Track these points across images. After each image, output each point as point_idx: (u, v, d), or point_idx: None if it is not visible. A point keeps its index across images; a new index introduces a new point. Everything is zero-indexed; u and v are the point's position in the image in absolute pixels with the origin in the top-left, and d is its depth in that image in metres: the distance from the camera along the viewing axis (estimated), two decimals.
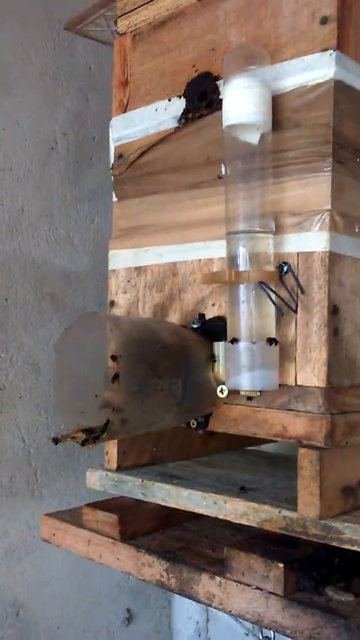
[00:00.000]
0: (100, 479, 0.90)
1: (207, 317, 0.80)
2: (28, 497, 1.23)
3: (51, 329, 1.26)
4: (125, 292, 0.90)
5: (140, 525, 0.85)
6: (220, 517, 0.77)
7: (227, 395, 0.74)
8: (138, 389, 0.67)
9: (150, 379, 0.68)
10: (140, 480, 0.85)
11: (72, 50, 1.31)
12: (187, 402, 0.72)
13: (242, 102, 0.70)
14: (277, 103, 0.73)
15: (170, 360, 0.70)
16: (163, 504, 0.82)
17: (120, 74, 0.93)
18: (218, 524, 0.88)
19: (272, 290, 0.69)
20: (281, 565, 0.67)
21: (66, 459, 1.28)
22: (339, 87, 0.71)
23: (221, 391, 0.73)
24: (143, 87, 0.90)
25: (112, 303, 0.92)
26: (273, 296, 0.69)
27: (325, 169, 0.70)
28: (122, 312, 0.91)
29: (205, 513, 0.79)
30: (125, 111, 0.92)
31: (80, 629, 1.32)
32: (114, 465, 0.89)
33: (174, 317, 0.84)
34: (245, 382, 0.70)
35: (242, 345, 0.70)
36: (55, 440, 0.70)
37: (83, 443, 0.68)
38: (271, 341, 0.70)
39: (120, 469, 0.89)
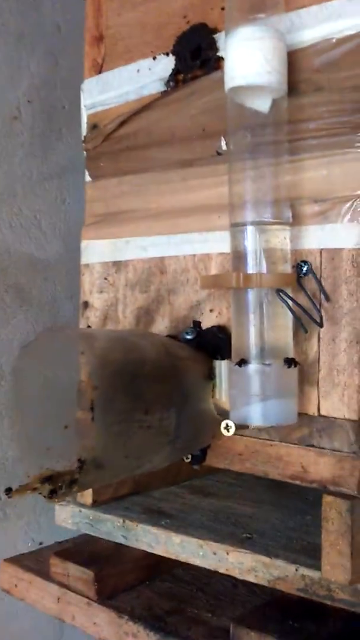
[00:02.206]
0: (73, 516, 0.75)
1: (204, 325, 0.65)
2: None
3: (16, 327, 1.10)
4: (101, 292, 0.75)
5: (122, 579, 0.71)
6: (221, 571, 0.63)
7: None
8: (119, 428, 0.52)
9: (135, 414, 0.53)
10: (121, 520, 0.71)
11: (39, 6, 1.14)
12: (181, 439, 0.57)
13: (251, 58, 0.54)
14: (292, 61, 0.58)
15: (160, 388, 0.55)
16: (149, 550, 0.68)
17: (93, 27, 0.77)
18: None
19: (292, 299, 0.54)
20: None
21: None
22: None
23: (226, 428, 0.57)
24: (121, 43, 0.74)
25: (86, 304, 0.77)
26: (294, 307, 0.54)
27: (356, 144, 0.56)
28: (98, 316, 0.75)
29: (202, 565, 0.65)
30: (100, 72, 0.76)
31: None
32: (89, 500, 0.75)
33: (162, 324, 0.69)
34: (256, 414, 0.55)
35: (253, 368, 0.55)
36: (8, 491, 0.55)
37: (50, 496, 0.53)
38: (289, 362, 0.55)
39: (96, 503, 0.75)
